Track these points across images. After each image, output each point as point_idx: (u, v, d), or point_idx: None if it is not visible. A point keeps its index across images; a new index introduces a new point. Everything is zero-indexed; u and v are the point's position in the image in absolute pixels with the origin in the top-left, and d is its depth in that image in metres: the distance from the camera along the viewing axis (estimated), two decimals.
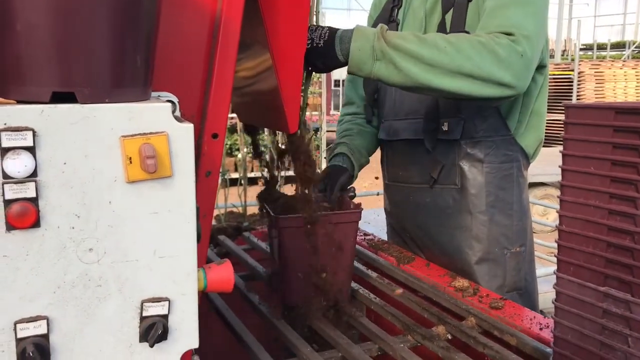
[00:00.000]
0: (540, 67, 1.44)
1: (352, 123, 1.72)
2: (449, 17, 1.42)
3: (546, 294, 1.52)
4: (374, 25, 1.59)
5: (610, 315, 0.76)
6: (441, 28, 1.43)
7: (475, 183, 1.46)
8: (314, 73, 1.34)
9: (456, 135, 1.44)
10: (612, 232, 0.74)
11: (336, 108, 11.74)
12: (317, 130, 6.40)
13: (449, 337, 1.14)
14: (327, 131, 6.93)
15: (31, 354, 0.60)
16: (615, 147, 0.72)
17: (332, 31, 1.25)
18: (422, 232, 1.59)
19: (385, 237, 1.78)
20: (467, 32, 1.36)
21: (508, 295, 1.45)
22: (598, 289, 0.77)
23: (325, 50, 1.23)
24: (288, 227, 1.22)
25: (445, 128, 1.45)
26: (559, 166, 0.79)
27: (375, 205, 3.08)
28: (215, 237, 1.76)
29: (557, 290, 0.83)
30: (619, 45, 14.64)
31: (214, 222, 1.94)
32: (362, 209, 1.34)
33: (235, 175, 3.72)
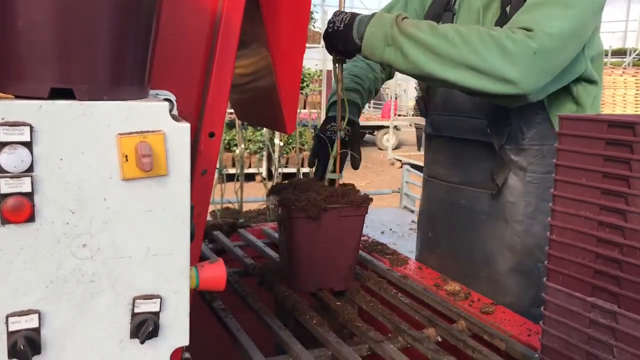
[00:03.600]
0: (591, 81, 1.38)
1: (366, 75, 1.67)
2: (508, 10, 1.35)
3: None
4: (428, 11, 1.55)
5: (596, 326, 0.77)
6: (498, 24, 1.35)
7: (515, 191, 1.42)
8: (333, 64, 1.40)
9: (501, 141, 1.40)
10: (601, 244, 0.75)
11: None
12: (316, 127, 6.41)
13: (439, 340, 1.15)
14: None
15: (22, 347, 0.61)
16: (607, 159, 0.73)
17: (354, 16, 1.29)
18: (454, 233, 1.55)
19: (379, 238, 1.79)
20: None
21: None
22: (586, 299, 0.78)
23: (344, 33, 1.27)
24: (298, 217, 1.28)
25: (489, 131, 1.41)
26: (553, 176, 0.80)
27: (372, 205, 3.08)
28: (210, 233, 1.76)
29: (546, 299, 0.84)
30: (620, 52, 14.66)
31: (209, 217, 1.95)
32: (371, 200, 1.37)
33: (232, 171, 3.72)
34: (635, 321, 0.72)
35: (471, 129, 1.45)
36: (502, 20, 1.36)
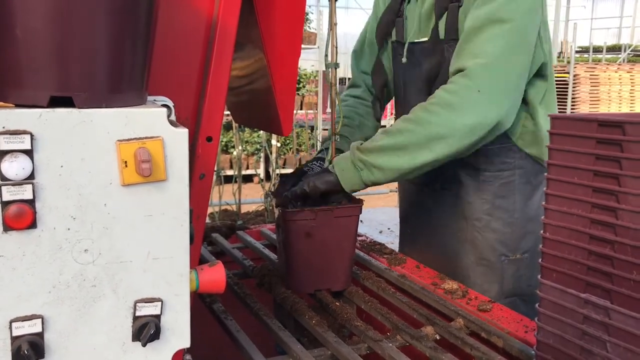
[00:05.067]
0: (540, 76, 1.42)
1: (355, 112, 1.67)
2: (442, 23, 1.41)
3: None
4: (381, 19, 1.59)
5: (590, 321, 0.78)
6: (434, 34, 1.42)
7: (470, 190, 1.47)
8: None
9: None
10: (593, 241, 0.77)
11: None
12: (312, 128, 6.42)
13: (437, 338, 1.16)
14: (324, 129, 6.95)
15: (26, 352, 0.62)
16: (598, 158, 0.74)
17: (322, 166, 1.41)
18: (424, 232, 1.61)
19: (376, 238, 1.81)
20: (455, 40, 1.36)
21: (507, 300, 1.45)
22: (579, 295, 0.79)
23: (321, 174, 1.35)
24: (292, 220, 1.30)
25: None
26: (545, 175, 0.81)
27: (370, 204, 3.09)
28: (209, 236, 1.77)
29: (541, 296, 0.85)
30: (614, 49, 14.71)
31: (208, 220, 1.96)
32: (362, 202, 1.39)
33: (230, 173, 3.73)
34: (627, 316, 0.74)
35: None
36: (434, 33, 1.41)
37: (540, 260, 0.84)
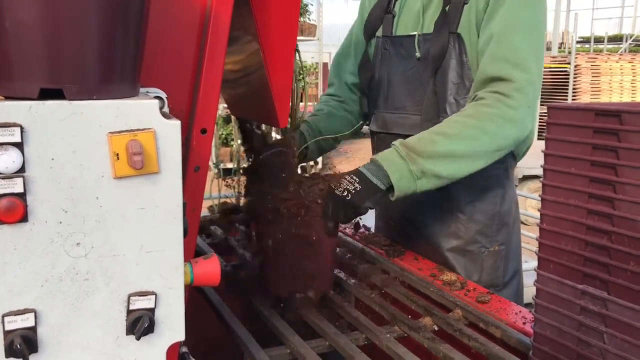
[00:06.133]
0: None
1: (326, 104, 1.73)
2: (442, 17, 1.43)
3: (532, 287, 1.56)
4: (369, 16, 1.60)
5: (587, 312, 0.78)
6: (439, 24, 1.43)
7: (455, 182, 1.45)
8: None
9: None
10: (590, 232, 0.76)
11: None
12: None
13: (435, 329, 1.16)
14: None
15: (19, 346, 0.62)
16: (595, 147, 0.74)
17: (357, 172, 1.27)
18: (407, 223, 1.62)
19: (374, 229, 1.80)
20: (459, 34, 1.39)
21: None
22: (576, 286, 0.79)
23: (365, 191, 1.25)
24: (263, 217, 1.26)
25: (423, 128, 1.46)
26: (541, 165, 0.81)
27: None
28: (207, 228, 1.77)
29: (537, 287, 0.85)
30: (616, 39, 14.64)
31: (207, 212, 1.95)
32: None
33: (230, 165, 3.71)
34: (624, 307, 0.73)
35: (414, 125, 1.50)
36: (442, 20, 1.42)
37: (537, 250, 0.83)
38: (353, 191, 1.24)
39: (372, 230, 1.76)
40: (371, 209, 1.29)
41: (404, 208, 1.60)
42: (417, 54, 1.48)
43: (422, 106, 1.48)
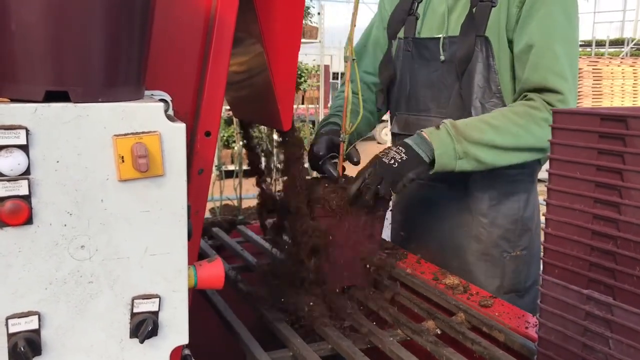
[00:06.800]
0: None
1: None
2: (469, 19, 1.43)
3: None
4: (391, 17, 1.60)
5: (592, 318, 0.78)
6: (465, 26, 1.43)
7: (479, 186, 1.48)
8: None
9: None
10: (596, 236, 0.76)
11: None
12: (314, 123, 6.41)
13: (438, 332, 1.16)
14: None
15: (22, 349, 0.62)
16: (600, 152, 0.73)
17: (404, 144, 1.33)
18: (426, 227, 1.61)
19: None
20: (486, 37, 1.40)
21: (506, 297, 1.46)
22: (581, 291, 0.78)
23: (411, 161, 1.31)
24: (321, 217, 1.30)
25: None
26: (546, 170, 0.80)
27: None
28: (209, 230, 1.77)
29: (542, 292, 0.84)
30: (617, 42, 14.62)
31: (209, 215, 1.95)
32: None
33: (231, 168, 3.72)
34: (630, 313, 0.73)
35: None
36: (468, 22, 1.42)
37: (541, 255, 0.83)
38: (400, 160, 1.29)
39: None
40: (413, 180, 1.33)
41: (422, 213, 1.61)
42: (442, 57, 1.47)
43: (446, 109, 1.48)
